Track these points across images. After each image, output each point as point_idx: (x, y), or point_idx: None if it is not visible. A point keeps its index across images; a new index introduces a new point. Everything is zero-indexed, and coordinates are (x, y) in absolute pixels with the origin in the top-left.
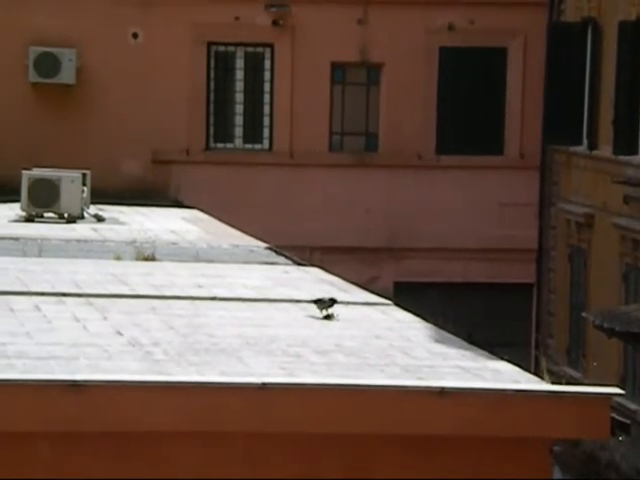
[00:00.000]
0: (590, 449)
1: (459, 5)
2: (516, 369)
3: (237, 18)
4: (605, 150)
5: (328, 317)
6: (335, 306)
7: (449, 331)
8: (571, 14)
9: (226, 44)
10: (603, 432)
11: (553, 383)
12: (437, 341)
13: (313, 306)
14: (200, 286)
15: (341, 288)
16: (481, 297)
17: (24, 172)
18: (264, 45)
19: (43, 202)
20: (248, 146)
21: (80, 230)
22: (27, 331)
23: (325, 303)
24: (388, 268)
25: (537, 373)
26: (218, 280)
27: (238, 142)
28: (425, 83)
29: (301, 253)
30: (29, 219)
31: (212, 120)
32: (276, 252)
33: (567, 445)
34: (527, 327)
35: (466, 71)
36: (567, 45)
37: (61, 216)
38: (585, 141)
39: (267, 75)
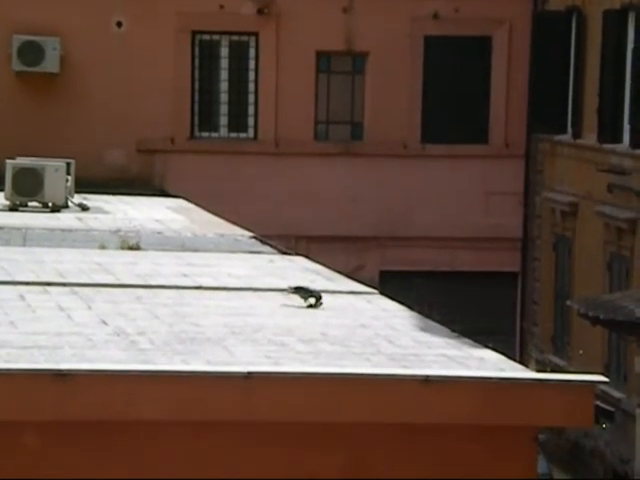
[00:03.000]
0: (575, 437)
1: None
2: (501, 357)
3: (222, 7)
4: (589, 138)
5: (312, 305)
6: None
7: (434, 320)
8: (556, 3)
9: (211, 33)
10: (587, 420)
11: (538, 371)
12: (422, 330)
13: (298, 295)
14: (185, 275)
15: (327, 277)
16: (467, 286)
17: (8, 161)
18: (249, 34)
19: (27, 191)
20: (233, 135)
21: (64, 219)
22: (11, 320)
23: (305, 292)
24: (374, 257)
25: (522, 361)
26: (203, 269)
27: (223, 131)
28: (410, 72)
29: (286, 242)
30: (13, 208)
31: (197, 109)
32: (261, 241)
33: (552, 433)
34: (512, 315)
35: (451, 60)
36: (552, 34)
37: (45, 205)
38: (570, 130)
39: (252, 64)
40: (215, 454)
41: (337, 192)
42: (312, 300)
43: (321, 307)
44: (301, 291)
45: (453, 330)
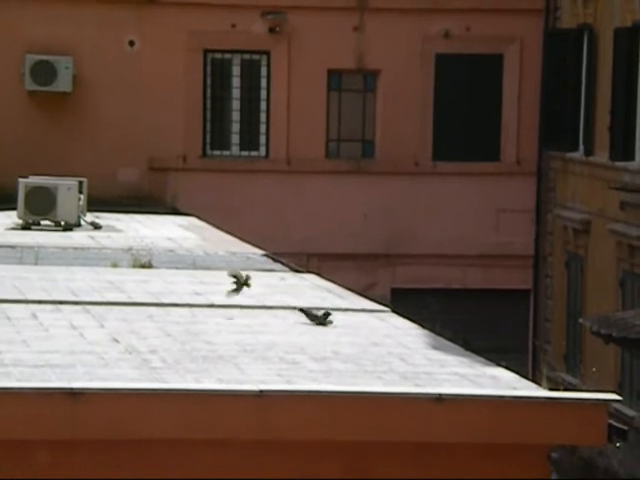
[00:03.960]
0: (588, 455)
1: (455, 12)
2: (514, 375)
3: (233, 25)
4: (601, 156)
5: (322, 323)
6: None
7: (446, 338)
8: (567, 20)
9: (222, 51)
10: (600, 438)
11: (550, 389)
12: (435, 348)
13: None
14: (197, 293)
15: (338, 295)
16: (478, 303)
17: (21, 180)
18: (260, 52)
19: (40, 210)
20: (245, 153)
21: (77, 238)
22: (24, 339)
23: (312, 316)
24: (385, 275)
25: (534, 379)
26: (215, 287)
27: (235, 149)
28: (421, 90)
29: (298, 260)
30: (26, 227)
31: (208, 127)
32: (273, 259)
33: (565, 451)
34: (524, 333)
35: (462, 78)
36: (563, 51)
37: (58, 224)
38: (581, 147)
39: (263, 82)
40: (227, 472)
41: (348, 210)
42: (320, 318)
43: (332, 325)
44: (308, 314)
45: (467, 346)
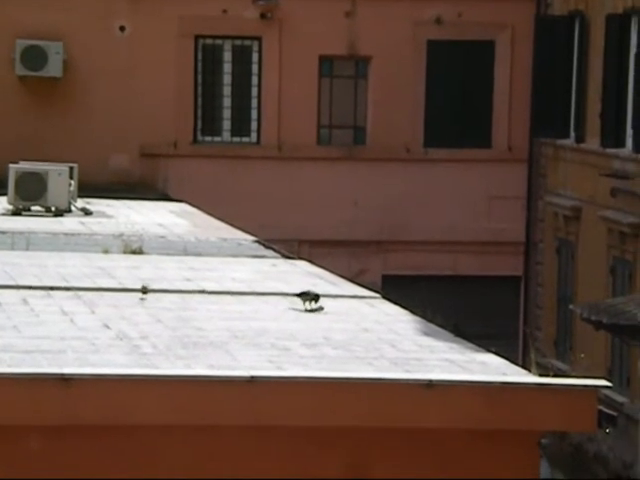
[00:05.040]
0: (577, 441)
1: None
2: (504, 362)
3: (225, 11)
4: (592, 143)
5: (313, 310)
6: (321, 300)
7: (437, 324)
8: (558, 7)
9: (213, 37)
10: (590, 424)
11: (540, 376)
12: (425, 334)
13: (301, 299)
14: (188, 279)
15: (329, 281)
16: (469, 290)
17: (11, 165)
18: (252, 38)
19: (30, 195)
20: (236, 139)
21: (67, 223)
22: (14, 324)
23: (309, 296)
24: (376, 261)
25: (525, 366)
26: (206, 273)
27: (226, 135)
28: (413, 76)
29: (289, 246)
30: (16, 213)
31: (200, 113)
32: (264, 245)
33: (555, 437)
34: (515, 320)
35: (454, 64)
36: (554, 38)
37: (48, 209)
38: (572, 134)
39: (255, 68)
40: (218, 458)
41: (340, 196)
42: (313, 305)
43: (323, 312)
44: (303, 295)
45: (457, 332)
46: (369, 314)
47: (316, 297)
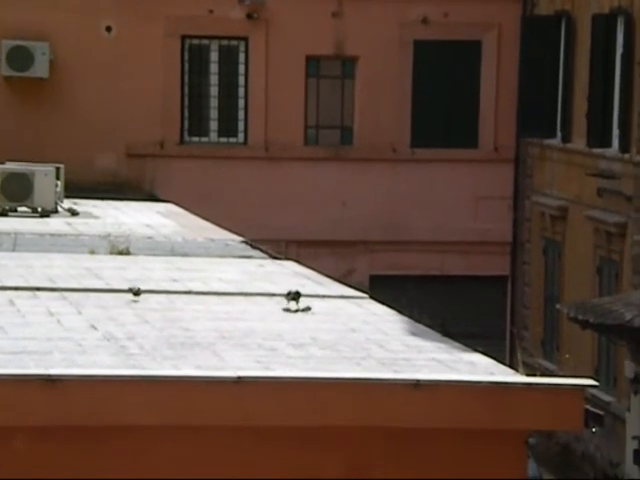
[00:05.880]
0: (564, 440)
1: None
2: (491, 361)
3: (211, 11)
4: (579, 143)
5: (298, 310)
6: (305, 299)
7: (424, 324)
8: (545, 7)
9: (200, 37)
10: (577, 424)
11: (527, 375)
12: (413, 334)
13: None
14: (175, 280)
15: (317, 281)
16: (456, 290)
17: None
18: (238, 38)
19: (16, 196)
20: (223, 140)
21: (54, 224)
22: (1, 325)
23: (289, 296)
24: (363, 261)
25: (512, 365)
26: (193, 274)
27: (213, 136)
28: (399, 76)
29: (277, 247)
30: (2, 213)
31: (186, 113)
32: (251, 246)
33: (542, 437)
34: (502, 320)
35: (440, 64)
36: (541, 38)
37: (35, 210)
38: (559, 134)
39: (241, 68)
40: (204, 458)
41: (327, 196)
42: (299, 304)
43: (311, 312)
44: (287, 295)
45: (444, 332)
46: (357, 314)
47: (297, 295)
